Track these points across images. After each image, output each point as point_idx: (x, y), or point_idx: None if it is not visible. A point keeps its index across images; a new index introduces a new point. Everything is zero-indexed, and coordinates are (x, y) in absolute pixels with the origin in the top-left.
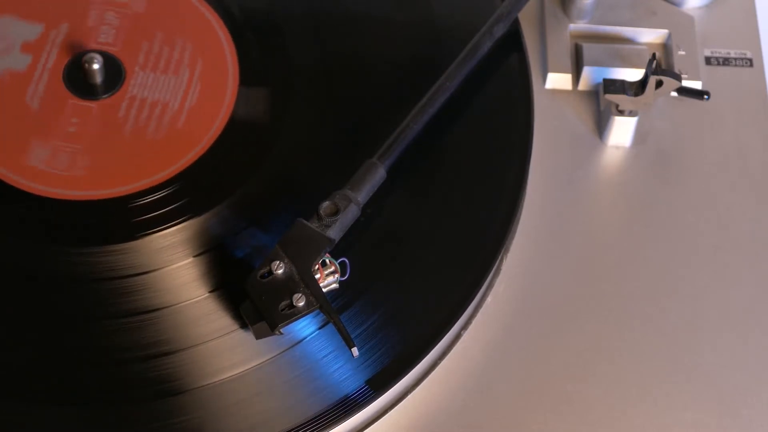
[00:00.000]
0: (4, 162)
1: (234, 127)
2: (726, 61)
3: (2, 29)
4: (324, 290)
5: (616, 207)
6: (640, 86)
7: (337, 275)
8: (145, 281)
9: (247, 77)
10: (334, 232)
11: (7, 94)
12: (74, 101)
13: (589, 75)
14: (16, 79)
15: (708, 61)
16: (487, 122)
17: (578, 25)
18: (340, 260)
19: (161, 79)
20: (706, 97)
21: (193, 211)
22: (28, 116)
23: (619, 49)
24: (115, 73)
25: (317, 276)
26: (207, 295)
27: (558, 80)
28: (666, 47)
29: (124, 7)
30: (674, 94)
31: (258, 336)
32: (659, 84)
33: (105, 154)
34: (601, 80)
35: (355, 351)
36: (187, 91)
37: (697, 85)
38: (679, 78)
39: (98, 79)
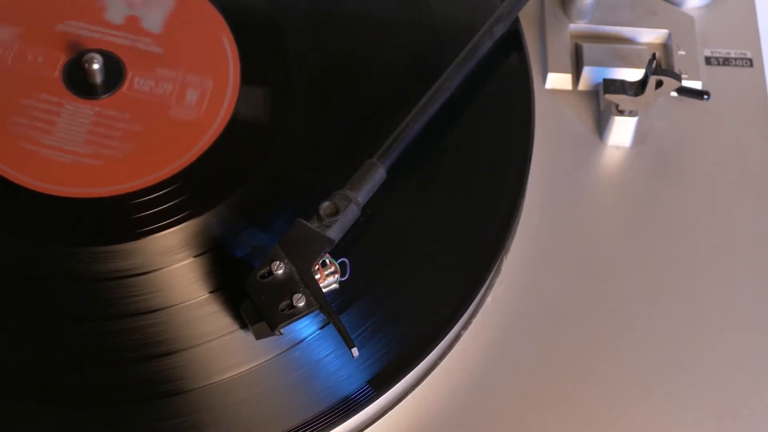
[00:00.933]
0: (100, 184)
1: (234, 126)
2: (726, 61)
3: None
4: (324, 290)
5: (616, 207)
6: (640, 86)
7: (337, 275)
8: (145, 281)
9: (248, 77)
10: (334, 233)
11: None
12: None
13: (589, 75)
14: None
15: (708, 61)
16: (487, 122)
17: (578, 25)
18: (340, 260)
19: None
20: (706, 97)
21: (193, 210)
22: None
23: (619, 49)
24: (115, 72)
25: (317, 276)
26: (207, 295)
27: (558, 80)
28: (666, 47)
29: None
30: (674, 94)
31: (258, 336)
32: (659, 84)
33: (141, 139)
34: (601, 80)
35: (355, 351)
36: (185, 87)
37: (697, 85)
38: (679, 78)
39: (98, 79)
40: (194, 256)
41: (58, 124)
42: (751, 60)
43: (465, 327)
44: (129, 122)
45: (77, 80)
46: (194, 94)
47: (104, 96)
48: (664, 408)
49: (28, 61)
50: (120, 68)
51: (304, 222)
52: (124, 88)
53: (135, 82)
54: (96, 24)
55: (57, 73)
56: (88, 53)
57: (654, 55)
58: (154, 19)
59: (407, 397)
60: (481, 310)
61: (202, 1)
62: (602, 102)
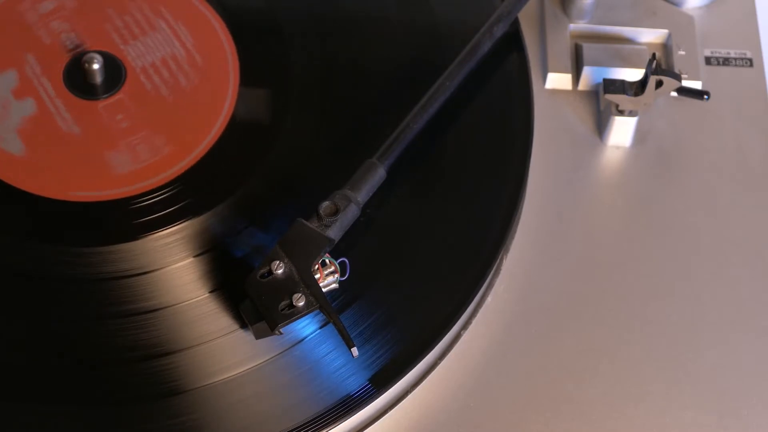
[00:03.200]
0: (102, 184)
1: (234, 127)
2: (726, 61)
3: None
4: (324, 290)
5: (616, 207)
6: (640, 86)
7: (336, 275)
8: (145, 281)
9: (248, 77)
10: (334, 232)
11: (46, 137)
12: (104, 103)
13: (589, 75)
14: (38, 122)
15: (708, 61)
16: (487, 122)
17: (578, 25)
18: (340, 260)
19: (149, 40)
20: (706, 97)
21: (193, 211)
22: (81, 140)
23: (619, 49)
24: (114, 71)
25: (317, 276)
26: (207, 295)
27: (558, 80)
28: (666, 47)
29: (59, 10)
30: (674, 94)
31: (258, 336)
32: (659, 84)
33: (166, 125)
34: (601, 80)
35: (354, 351)
36: (177, 35)
37: (697, 85)
38: (679, 78)
39: (98, 79)
40: (194, 256)
41: (111, 128)
42: (751, 60)
43: (465, 327)
44: (161, 89)
45: (77, 81)
46: (185, 36)
47: (104, 96)
48: (664, 408)
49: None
50: (119, 65)
51: (304, 222)
52: (131, 68)
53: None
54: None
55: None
56: (88, 53)
57: (654, 55)
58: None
59: (407, 397)
60: (481, 310)
61: (201, 2)
62: (602, 102)
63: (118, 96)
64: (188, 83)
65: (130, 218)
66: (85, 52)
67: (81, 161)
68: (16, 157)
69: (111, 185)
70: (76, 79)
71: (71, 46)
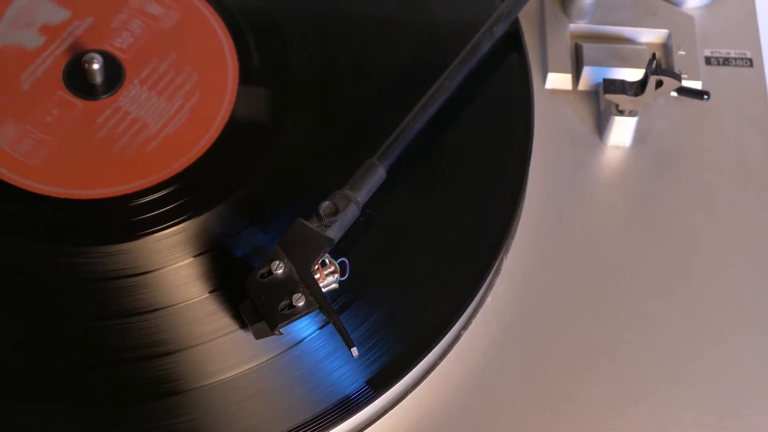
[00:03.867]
0: (100, 185)
1: (234, 127)
2: (726, 61)
3: (31, 5)
4: (324, 290)
5: (616, 207)
6: (640, 86)
7: (336, 275)
8: (145, 281)
9: (247, 77)
10: (334, 232)
11: (6, 68)
12: (63, 93)
13: (589, 75)
14: (21, 55)
15: (708, 61)
16: (487, 122)
17: (578, 25)
18: (339, 260)
19: (153, 99)
20: (706, 97)
21: (193, 211)
22: (15, 94)
23: (619, 49)
24: (115, 74)
25: (317, 276)
26: (207, 295)
27: (558, 80)
28: (666, 47)
29: (154, 19)
30: (674, 94)
31: (257, 336)
32: (659, 84)
33: (68, 152)
34: (601, 80)
35: (354, 351)
36: (171, 119)
37: (697, 85)
38: (679, 78)
39: (98, 79)
40: (194, 256)
41: (37, 112)
42: (751, 60)
43: (465, 327)
44: (102, 130)
45: (77, 80)
46: (176, 124)
47: (104, 96)
48: (664, 408)
49: (50, 122)
50: (120, 70)
51: (304, 222)
52: (114, 96)
53: (128, 94)
54: (36, 57)
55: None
56: (88, 53)
57: (654, 55)
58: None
59: (407, 397)
60: (481, 310)
61: (201, 2)
62: (602, 102)
63: (118, 95)
64: (189, 83)
65: (130, 218)
66: (85, 52)
67: (79, 159)
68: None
69: (111, 185)
70: (76, 78)
71: (117, 44)
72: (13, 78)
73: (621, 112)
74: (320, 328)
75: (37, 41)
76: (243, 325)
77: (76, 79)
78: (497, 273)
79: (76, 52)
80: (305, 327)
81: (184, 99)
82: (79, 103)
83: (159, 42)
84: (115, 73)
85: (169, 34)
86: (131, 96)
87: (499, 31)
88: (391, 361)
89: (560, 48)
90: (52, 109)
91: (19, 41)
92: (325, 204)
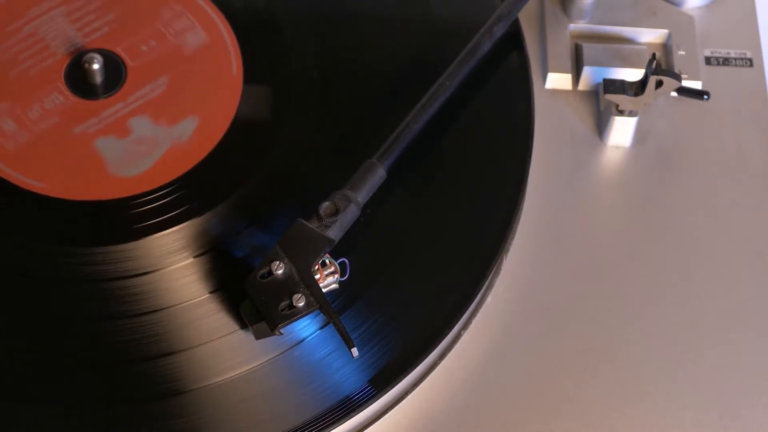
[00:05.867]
0: (99, 184)
1: (235, 126)
2: (726, 61)
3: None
4: (324, 290)
5: (616, 207)
6: (640, 86)
7: (336, 275)
8: (145, 281)
9: (250, 77)
10: (334, 233)
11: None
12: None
13: (589, 75)
14: None
15: (708, 61)
16: (487, 122)
17: (578, 25)
18: (340, 260)
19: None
20: (706, 97)
21: (193, 211)
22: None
23: (619, 49)
24: (115, 73)
25: (317, 276)
26: (207, 295)
27: (558, 80)
28: (666, 47)
29: (170, 37)
30: (674, 94)
31: (258, 336)
32: (659, 84)
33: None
34: (601, 80)
35: (354, 351)
36: (179, 32)
37: (697, 85)
38: (679, 78)
39: (98, 79)
40: (194, 256)
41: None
42: (751, 60)
43: (465, 327)
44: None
45: (77, 80)
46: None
47: (104, 96)
48: (664, 408)
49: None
50: (120, 68)
51: (304, 222)
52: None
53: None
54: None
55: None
56: (88, 53)
57: (654, 55)
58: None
59: (407, 397)
60: (481, 310)
61: (206, 1)
62: (602, 102)
63: (118, 96)
64: (188, 82)
65: (131, 218)
66: (85, 52)
67: (76, 159)
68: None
69: (110, 184)
70: (77, 79)
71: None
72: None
73: (621, 112)
74: (320, 329)
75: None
76: (243, 326)
77: (77, 81)
78: (497, 273)
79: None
80: (305, 327)
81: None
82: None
83: (170, 62)
84: (115, 73)
85: (185, 59)
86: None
87: (499, 31)
88: (391, 361)
89: (560, 48)
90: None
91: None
92: (325, 204)
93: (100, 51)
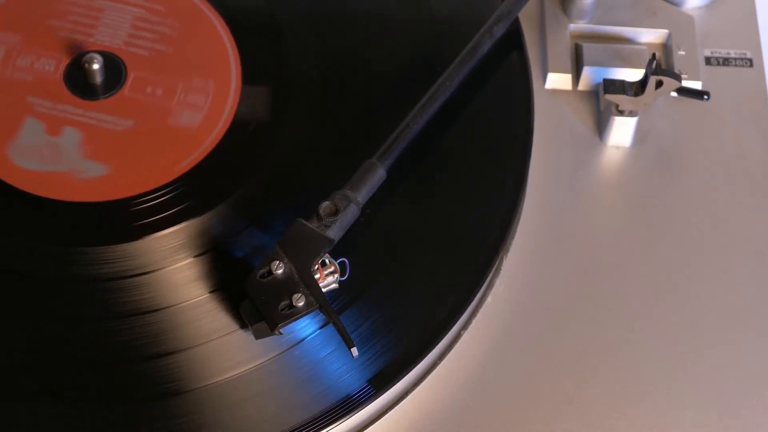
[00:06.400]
0: (100, 184)
1: (235, 127)
2: (726, 61)
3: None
4: (324, 290)
5: (616, 207)
6: (640, 86)
7: (336, 275)
8: (145, 281)
9: (249, 77)
10: (334, 232)
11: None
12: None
13: (589, 75)
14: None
15: (708, 61)
16: (487, 122)
17: (578, 25)
18: (339, 260)
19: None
20: (706, 97)
21: (194, 211)
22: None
23: (619, 49)
24: (115, 72)
25: (317, 276)
26: (207, 295)
27: (558, 80)
28: (666, 47)
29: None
30: (674, 94)
31: (257, 336)
32: (659, 84)
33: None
34: (601, 80)
35: (354, 351)
36: (179, 35)
37: (697, 85)
38: (679, 78)
39: (98, 79)
40: (194, 256)
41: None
42: (751, 60)
43: (465, 327)
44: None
45: (77, 81)
46: (196, 97)
47: (104, 97)
48: (664, 408)
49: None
50: (120, 68)
51: (304, 222)
52: (125, 89)
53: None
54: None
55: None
56: (88, 53)
57: (654, 55)
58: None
59: (407, 397)
60: (481, 310)
61: (202, 1)
62: (602, 102)
63: (118, 96)
64: (188, 82)
65: (131, 218)
66: (85, 52)
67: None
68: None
69: (110, 184)
70: (77, 79)
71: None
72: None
73: (621, 112)
74: (320, 328)
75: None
76: (243, 325)
77: (77, 81)
78: (497, 273)
79: (71, 58)
80: (305, 327)
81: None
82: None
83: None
84: (115, 73)
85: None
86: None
87: (499, 31)
88: (391, 361)
89: (560, 48)
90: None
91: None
92: (325, 204)
93: (100, 51)
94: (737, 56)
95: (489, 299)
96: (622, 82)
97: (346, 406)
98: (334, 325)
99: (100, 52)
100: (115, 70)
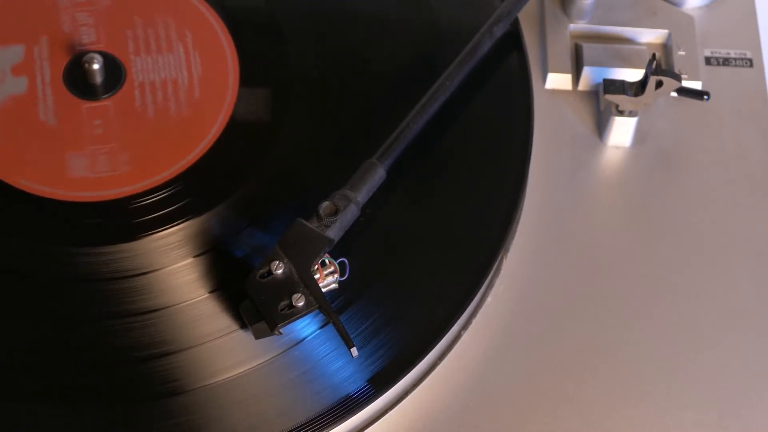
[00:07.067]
0: (52, 182)
1: (234, 127)
2: (726, 61)
3: None
4: (323, 290)
5: (616, 207)
6: (640, 86)
7: (336, 275)
8: (145, 281)
9: (248, 77)
10: (334, 232)
11: (20, 119)
12: (88, 105)
13: (589, 75)
14: (21, 102)
15: (708, 61)
16: (487, 122)
17: (578, 25)
18: (339, 260)
19: (159, 59)
20: (706, 97)
21: (194, 211)
22: (51, 133)
23: (619, 49)
24: (115, 72)
25: (317, 276)
26: (207, 295)
27: (558, 80)
28: (666, 47)
29: (92, 3)
30: (674, 94)
31: (257, 336)
32: (659, 84)
33: (140, 144)
34: (601, 80)
35: (354, 351)
36: (189, 63)
37: (697, 85)
38: (679, 78)
39: (98, 79)
40: (194, 256)
41: (83, 132)
42: (751, 60)
43: (465, 327)
44: (149, 108)
45: (77, 81)
46: (197, 64)
47: (104, 96)
48: (664, 408)
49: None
50: (120, 67)
51: (304, 222)
52: (129, 79)
53: (137, 69)
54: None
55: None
56: (88, 53)
57: (654, 55)
58: None
59: (407, 397)
60: (481, 310)
61: (201, 1)
62: (602, 102)
63: (113, 99)
64: (188, 82)
65: (130, 218)
66: (86, 52)
67: (43, 154)
68: None
69: (112, 186)
70: (76, 77)
71: (86, 41)
72: (36, 122)
73: (621, 112)
74: (320, 328)
75: (21, 84)
76: (243, 325)
77: (77, 82)
78: (497, 273)
79: (69, 59)
80: (305, 327)
81: (181, 43)
82: (107, 102)
83: (116, 16)
84: (115, 73)
85: (117, 5)
86: (141, 69)
87: (499, 31)
88: (391, 361)
89: (560, 48)
90: (92, 121)
91: (7, 93)
92: (325, 204)
93: (100, 51)
94: (737, 56)
95: (489, 299)
96: (622, 82)
97: (346, 406)
98: (334, 325)
99: (100, 52)
100: (115, 70)
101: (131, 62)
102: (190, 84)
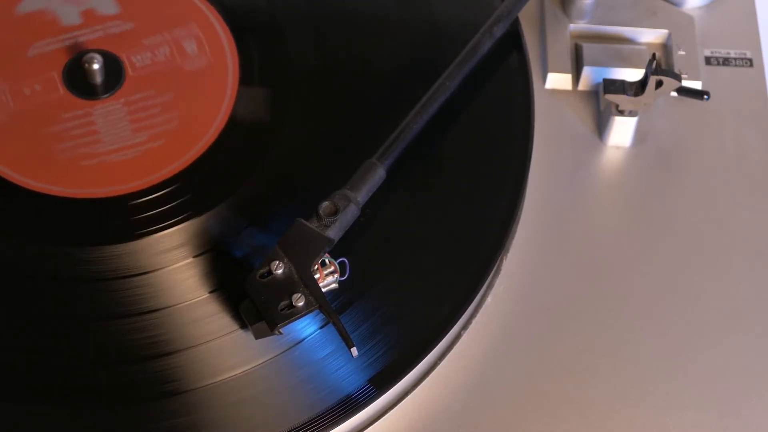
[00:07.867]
0: (52, 180)
1: (234, 127)
2: (726, 61)
3: None
4: (323, 290)
5: (616, 207)
6: (640, 86)
7: (336, 275)
8: (145, 281)
9: (247, 77)
10: (334, 232)
11: (26, 31)
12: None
13: (589, 75)
14: (48, 25)
15: (708, 61)
16: (487, 122)
17: (578, 25)
18: (339, 260)
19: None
20: (706, 97)
21: (193, 211)
22: (51, 132)
23: (619, 49)
24: (115, 71)
25: (317, 276)
26: (207, 295)
27: (558, 80)
28: (666, 47)
29: (181, 56)
30: (674, 94)
31: (257, 336)
32: (659, 84)
33: (141, 143)
34: (601, 80)
35: (354, 351)
36: (189, 62)
37: (697, 85)
38: (679, 78)
39: (98, 79)
40: (194, 256)
41: (100, 131)
42: (751, 60)
43: (465, 327)
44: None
45: (77, 81)
46: (191, 44)
47: (104, 96)
48: (664, 408)
49: (27, 95)
50: (120, 67)
51: (304, 222)
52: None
53: (134, 61)
54: (59, 34)
55: (62, 91)
56: (88, 53)
57: (654, 55)
58: (105, 2)
59: (407, 397)
60: (481, 310)
61: (202, 1)
62: (602, 102)
63: (116, 97)
64: (188, 82)
65: (130, 218)
66: (85, 52)
67: (43, 153)
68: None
69: (112, 185)
70: (76, 78)
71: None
72: (25, 42)
73: (621, 112)
74: (320, 328)
75: (73, 20)
76: (243, 325)
77: (77, 81)
78: (497, 273)
79: (70, 57)
80: (305, 327)
81: (148, 138)
82: (61, 90)
83: (168, 79)
84: (115, 74)
85: (184, 76)
86: (107, 110)
87: (499, 31)
88: (391, 361)
89: (560, 48)
90: (34, 84)
91: (57, 12)
92: (325, 204)
93: (100, 51)
94: (737, 56)
95: (489, 299)
96: (622, 82)
97: (347, 406)
98: (334, 325)
99: (100, 52)
100: (115, 70)
101: (131, 62)
102: (190, 83)
